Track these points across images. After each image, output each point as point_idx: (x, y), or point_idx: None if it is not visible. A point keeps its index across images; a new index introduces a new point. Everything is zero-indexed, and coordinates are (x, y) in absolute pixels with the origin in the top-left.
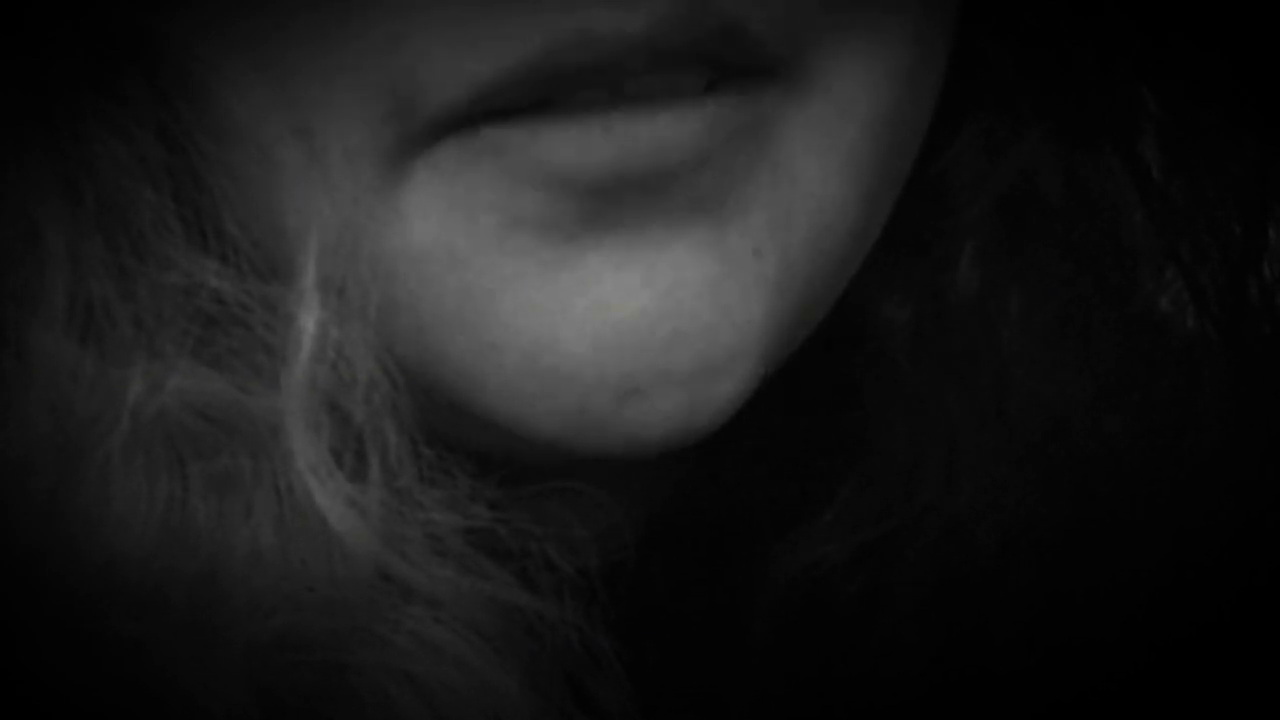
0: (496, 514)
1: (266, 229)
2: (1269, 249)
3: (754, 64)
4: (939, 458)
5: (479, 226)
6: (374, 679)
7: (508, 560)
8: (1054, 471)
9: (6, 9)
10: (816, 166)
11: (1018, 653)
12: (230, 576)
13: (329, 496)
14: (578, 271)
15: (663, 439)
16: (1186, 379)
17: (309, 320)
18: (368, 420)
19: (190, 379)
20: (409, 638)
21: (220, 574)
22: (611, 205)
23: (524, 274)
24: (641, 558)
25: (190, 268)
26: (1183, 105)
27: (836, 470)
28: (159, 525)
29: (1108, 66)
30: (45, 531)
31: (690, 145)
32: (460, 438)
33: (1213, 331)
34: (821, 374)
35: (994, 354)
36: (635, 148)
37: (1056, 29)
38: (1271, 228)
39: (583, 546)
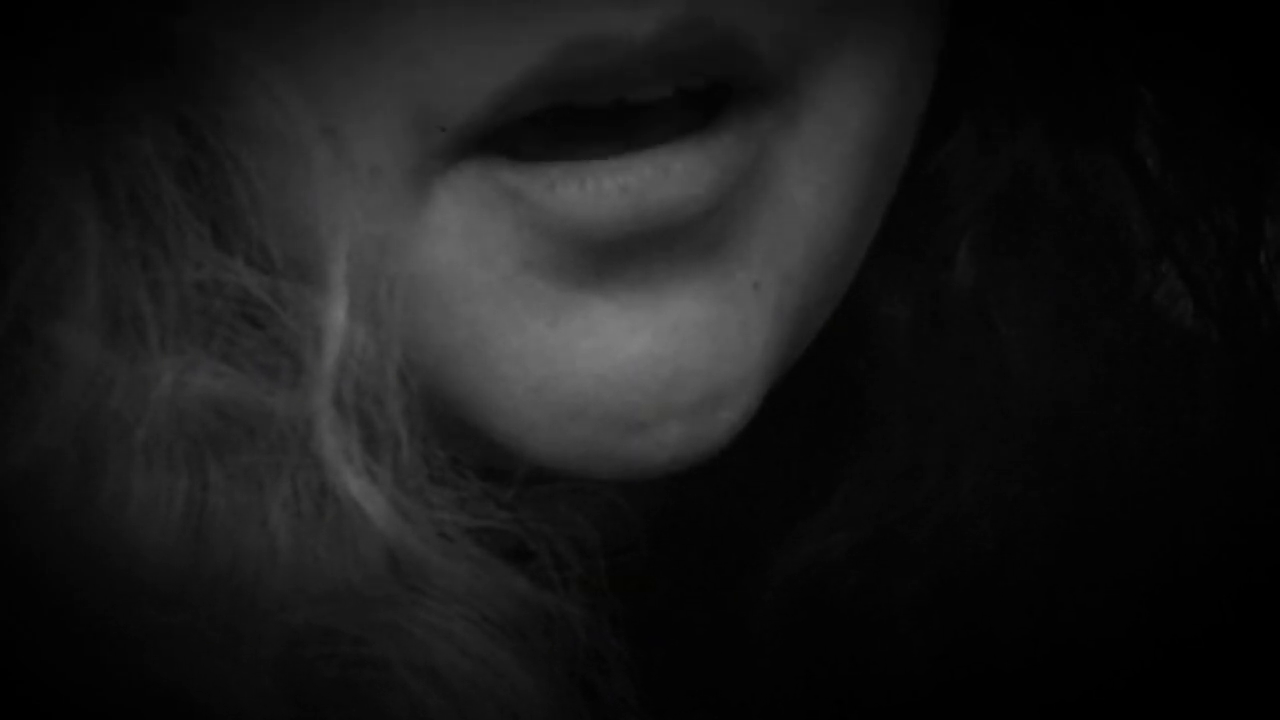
0: (506, 513)
1: (293, 229)
2: (1265, 242)
3: (753, 82)
4: (939, 453)
5: (494, 263)
6: (396, 672)
7: (517, 560)
8: (1053, 466)
9: (20, 6)
10: (811, 188)
11: (1018, 647)
12: (249, 573)
13: (365, 485)
14: (584, 315)
15: (666, 466)
16: (1185, 373)
17: (338, 316)
18: (383, 421)
19: (213, 378)
20: (428, 631)
21: (239, 571)
22: (621, 254)
23: (533, 314)
24: (647, 556)
25: (217, 266)
26: (1179, 101)
27: (837, 467)
28: (179, 524)
29: (1104, 63)
30: (68, 530)
31: (701, 201)
32: (469, 448)
33: (1210, 325)
34: (822, 372)
35: (993, 350)
36: (649, 206)
37: (1054, 27)
38: (1267, 221)
39: (590, 545)
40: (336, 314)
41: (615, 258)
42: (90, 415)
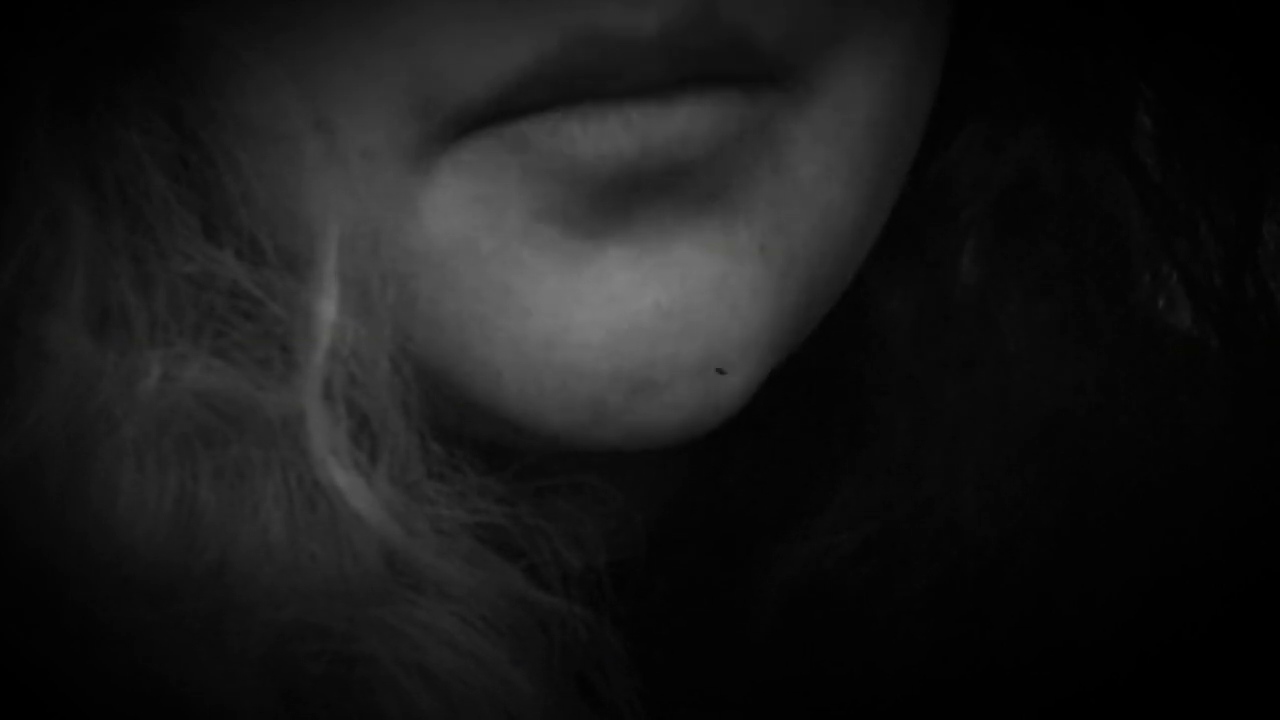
0: (505, 509)
1: (285, 222)
2: (1264, 244)
3: (760, 71)
4: (941, 453)
5: (505, 221)
6: (386, 670)
7: (516, 556)
8: (1054, 466)
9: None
10: (817, 170)
11: (1020, 647)
12: (239, 569)
13: (352, 480)
14: (595, 265)
15: (671, 432)
16: (1185, 374)
17: (329, 309)
18: (377, 414)
19: (204, 372)
20: (420, 630)
21: (229, 567)
22: (629, 200)
23: (545, 267)
24: (648, 554)
25: (207, 259)
26: (1180, 102)
27: (839, 465)
28: (169, 519)
29: (1106, 64)
30: (57, 524)
31: (705, 139)
32: (468, 434)
33: (1209, 327)
34: (825, 370)
35: (995, 350)
36: (653, 141)
37: (1057, 27)
38: (1266, 223)
39: (591, 543)
40: (327, 306)
41: (624, 202)
42: (78, 409)
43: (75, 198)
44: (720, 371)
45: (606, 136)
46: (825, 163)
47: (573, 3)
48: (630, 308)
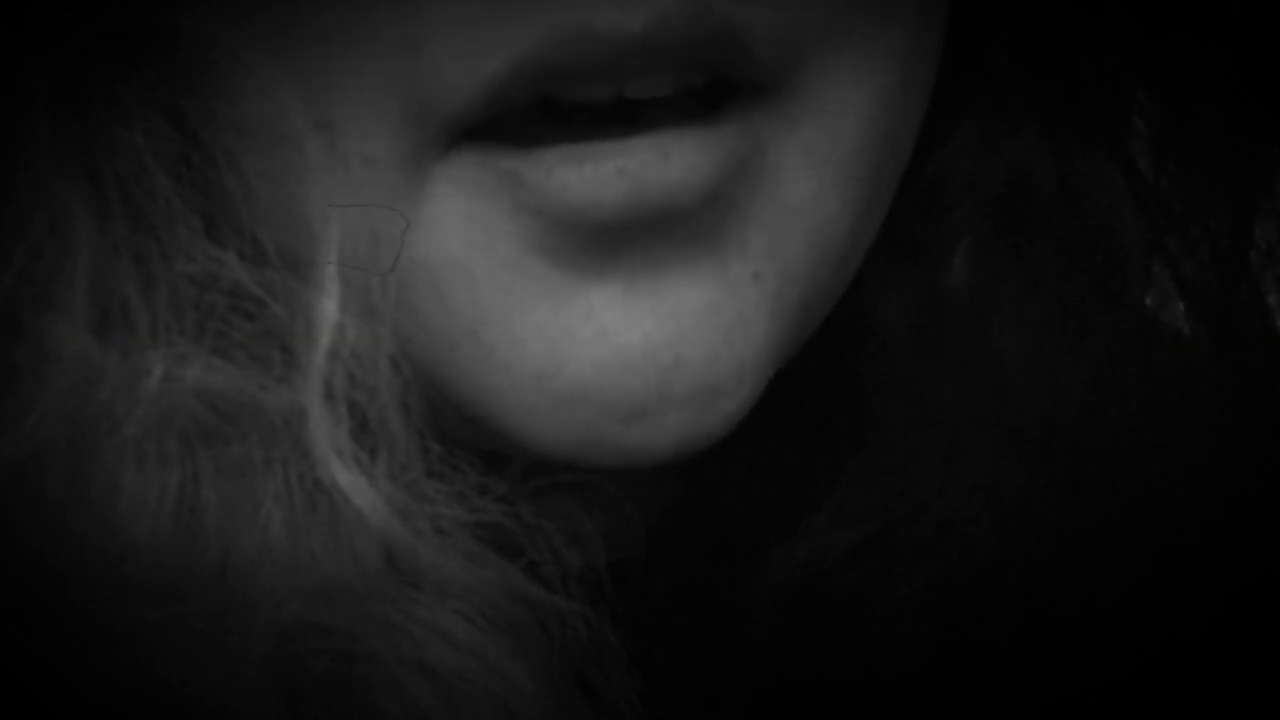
0: (505, 508)
1: (286, 222)
2: (1257, 246)
3: (750, 78)
4: (937, 454)
5: (496, 248)
6: (387, 668)
7: (516, 555)
8: (1050, 466)
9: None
10: (810, 186)
11: (1017, 646)
12: (241, 568)
13: (354, 479)
14: (585, 299)
15: (666, 455)
16: (1179, 374)
17: (330, 309)
18: (377, 413)
19: (205, 371)
20: (421, 627)
21: (231, 566)
22: (621, 240)
23: (536, 298)
24: (648, 554)
25: (209, 259)
26: (1174, 102)
27: (837, 466)
28: (170, 518)
29: (1101, 63)
30: (59, 523)
31: (699, 186)
32: (467, 437)
33: (1202, 328)
34: (821, 372)
35: (990, 350)
36: (647, 189)
37: (1053, 27)
38: (1258, 224)
39: (591, 542)
40: (328, 306)
41: (615, 243)
42: (81, 408)
43: (76, 198)
44: (714, 398)
45: (600, 183)
46: (818, 180)
47: (561, 3)
48: (620, 341)
